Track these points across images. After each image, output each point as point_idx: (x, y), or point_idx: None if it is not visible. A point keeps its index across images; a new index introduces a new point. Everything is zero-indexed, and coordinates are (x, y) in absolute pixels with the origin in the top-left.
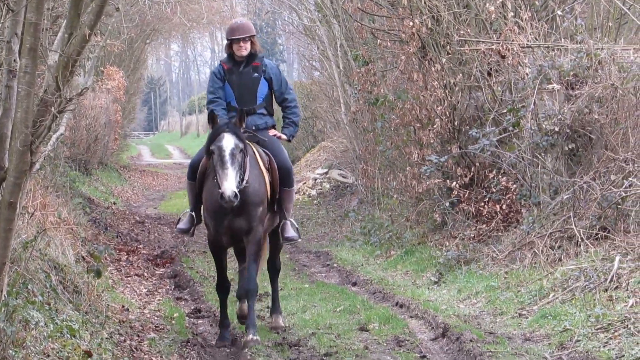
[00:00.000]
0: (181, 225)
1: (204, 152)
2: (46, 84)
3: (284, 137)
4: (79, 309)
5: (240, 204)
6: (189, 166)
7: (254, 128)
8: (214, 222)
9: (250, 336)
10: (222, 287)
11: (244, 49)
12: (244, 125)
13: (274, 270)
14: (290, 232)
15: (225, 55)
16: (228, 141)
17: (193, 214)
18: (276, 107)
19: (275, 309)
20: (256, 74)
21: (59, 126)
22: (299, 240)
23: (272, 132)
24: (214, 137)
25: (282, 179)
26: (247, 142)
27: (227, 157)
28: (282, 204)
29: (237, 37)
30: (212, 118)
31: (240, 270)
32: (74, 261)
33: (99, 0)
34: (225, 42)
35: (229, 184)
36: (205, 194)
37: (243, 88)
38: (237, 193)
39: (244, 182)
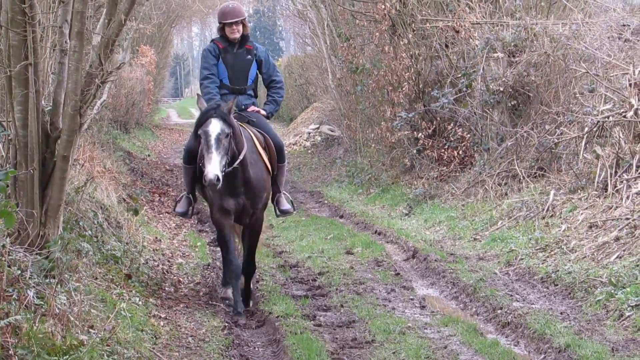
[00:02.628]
0: (179, 209)
1: (193, 135)
2: (91, 60)
3: (263, 112)
4: (121, 241)
5: (247, 187)
6: (185, 151)
7: (242, 107)
8: (221, 202)
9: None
10: (233, 265)
11: (237, 32)
12: (234, 110)
13: (251, 270)
14: (286, 205)
15: (217, 36)
16: (215, 126)
17: (190, 196)
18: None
19: (247, 294)
20: (249, 56)
21: (102, 94)
22: (294, 212)
23: (251, 108)
24: (202, 122)
25: (277, 155)
26: (242, 125)
27: (213, 141)
28: (276, 179)
29: (230, 20)
30: (199, 102)
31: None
32: (116, 202)
33: None
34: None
35: (212, 168)
36: None
37: (236, 68)
38: (220, 177)
39: (235, 163)
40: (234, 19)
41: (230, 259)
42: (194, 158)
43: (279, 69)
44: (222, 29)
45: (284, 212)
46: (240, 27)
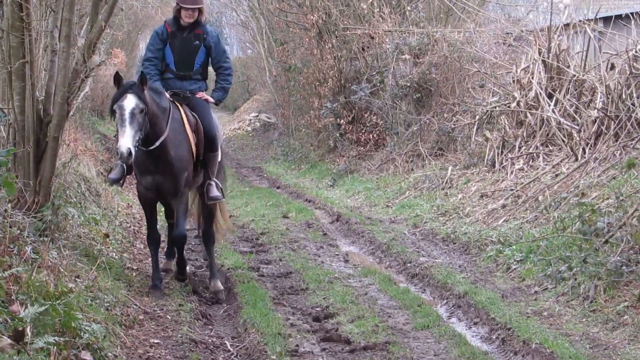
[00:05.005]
0: (112, 175)
1: (109, 112)
2: (76, 59)
3: (211, 99)
4: (100, 206)
5: (166, 166)
6: None
7: (188, 93)
8: (141, 178)
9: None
10: (152, 238)
11: (191, 17)
12: (145, 88)
13: (209, 239)
14: (214, 192)
15: (171, 17)
16: (130, 101)
17: (124, 165)
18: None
19: (212, 274)
20: (197, 42)
21: (85, 87)
22: (222, 199)
23: (200, 94)
24: (117, 97)
25: (207, 143)
26: (177, 103)
27: (127, 115)
28: (206, 166)
29: (188, 6)
30: (117, 80)
31: (168, 225)
32: (95, 175)
33: (110, 3)
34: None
35: (125, 141)
36: None
37: (183, 54)
38: (132, 150)
39: (159, 141)
40: (192, 5)
41: (151, 233)
42: None
43: (229, 55)
44: (178, 10)
45: (213, 199)
46: (196, 14)
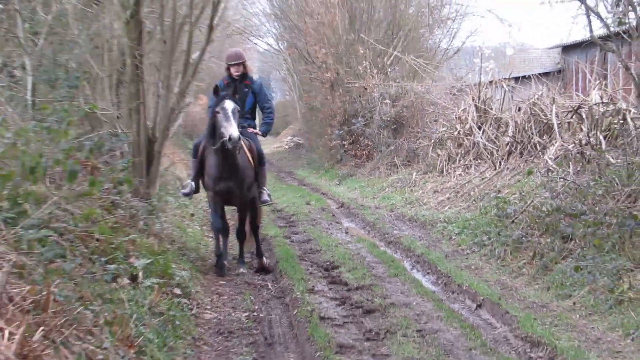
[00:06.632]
0: (184, 191)
1: (211, 113)
2: (173, 101)
3: (259, 133)
4: None
5: (236, 172)
6: (193, 147)
7: (242, 126)
8: (214, 185)
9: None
10: (218, 225)
11: (238, 71)
12: (237, 96)
13: (254, 226)
14: (265, 197)
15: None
16: (229, 104)
17: (193, 183)
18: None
19: (258, 254)
20: (246, 89)
21: (179, 119)
22: (271, 202)
23: (250, 129)
24: (219, 102)
25: (259, 159)
26: None
27: (230, 113)
28: (257, 178)
29: (232, 62)
30: (216, 90)
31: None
32: (186, 175)
33: (195, 65)
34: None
35: (234, 129)
36: (207, 166)
37: (237, 99)
38: (240, 137)
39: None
40: (236, 61)
41: (217, 222)
42: (197, 152)
43: (271, 98)
44: (227, 68)
45: (264, 202)
46: (241, 68)
